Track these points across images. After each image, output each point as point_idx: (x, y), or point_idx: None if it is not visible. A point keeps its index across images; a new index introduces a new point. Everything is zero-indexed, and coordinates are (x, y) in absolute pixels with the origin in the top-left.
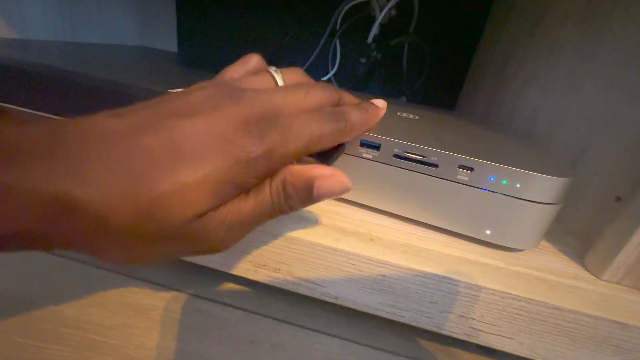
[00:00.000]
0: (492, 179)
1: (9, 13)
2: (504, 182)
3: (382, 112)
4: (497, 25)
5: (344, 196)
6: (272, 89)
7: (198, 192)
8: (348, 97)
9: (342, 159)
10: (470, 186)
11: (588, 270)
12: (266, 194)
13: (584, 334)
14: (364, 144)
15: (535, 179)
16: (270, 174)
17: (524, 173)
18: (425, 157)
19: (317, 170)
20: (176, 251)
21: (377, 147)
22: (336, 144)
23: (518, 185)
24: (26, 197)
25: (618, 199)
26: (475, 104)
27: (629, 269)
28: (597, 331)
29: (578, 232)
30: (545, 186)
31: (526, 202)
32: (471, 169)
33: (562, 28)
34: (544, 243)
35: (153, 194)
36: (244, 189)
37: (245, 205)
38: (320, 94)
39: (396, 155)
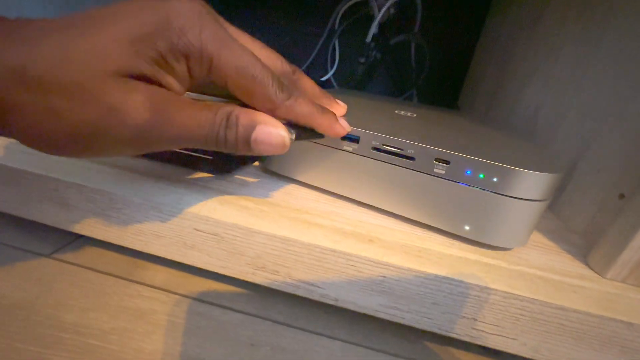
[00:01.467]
0: (468, 172)
1: (8, 9)
2: (481, 175)
3: (335, 130)
4: (497, 22)
5: (322, 186)
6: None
7: (113, 46)
8: (309, 83)
9: (323, 151)
10: (447, 179)
11: (592, 269)
12: (210, 112)
13: (588, 334)
14: (344, 137)
15: (514, 174)
16: (183, 60)
17: (502, 167)
18: (402, 150)
19: (264, 117)
20: (103, 120)
21: (356, 140)
22: (260, 106)
23: (495, 180)
24: None
25: (622, 196)
26: (476, 102)
27: (634, 267)
28: (602, 331)
29: (581, 230)
30: (524, 181)
31: (504, 197)
32: (447, 162)
33: (562, 24)
34: (546, 242)
35: (75, 52)
36: (159, 60)
37: (184, 105)
38: (277, 56)
39: (374, 148)
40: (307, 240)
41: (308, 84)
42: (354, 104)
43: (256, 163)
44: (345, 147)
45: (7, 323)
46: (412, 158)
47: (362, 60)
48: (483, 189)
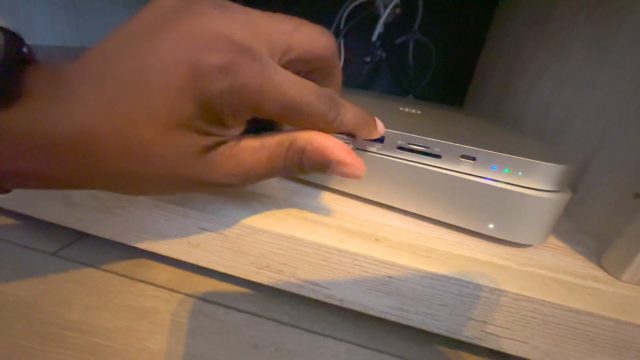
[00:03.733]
0: (494, 167)
1: (18, 20)
2: (506, 170)
3: (375, 134)
4: (505, 19)
5: (349, 190)
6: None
7: (165, 106)
8: (339, 69)
9: None
10: (473, 175)
11: (606, 271)
12: (281, 155)
13: (603, 338)
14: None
15: (539, 167)
16: (242, 112)
17: (527, 161)
18: (428, 148)
19: (339, 154)
20: (181, 176)
21: (381, 140)
22: (313, 128)
23: (520, 174)
24: (25, 138)
25: (637, 195)
26: (485, 100)
27: None
28: (617, 335)
29: (594, 232)
30: (546, 173)
31: (529, 190)
32: (473, 159)
33: (574, 19)
34: (558, 243)
35: (127, 117)
36: (219, 119)
37: (258, 152)
38: (310, 29)
39: (400, 147)
40: (312, 240)
41: (339, 72)
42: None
43: None
44: (369, 148)
45: (10, 320)
46: (438, 156)
47: (368, 59)
48: (507, 183)
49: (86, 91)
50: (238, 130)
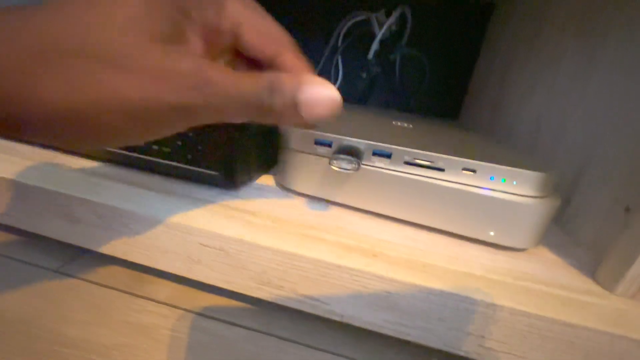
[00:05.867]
0: (492, 178)
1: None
2: (503, 180)
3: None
4: (498, 34)
5: (358, 205)
6: None
7: (131, 12)
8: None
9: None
10: (473, 186)
11: (600, 285)
12: (252, 77)
13: (599, 352)
14: (375, 153)
15: (530, 176)
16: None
17: (520, 171)
18: (433, 162)
19: (310, 76)
20: (136, 69)
21: (388, 156)
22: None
23: (514, 183)
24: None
25: (628, 209)
26: (479, 112)
27: None
28: (613, 349)
29: (588, 245)
30: (537, 180)
31: (521, 197)
32: (474, 171)
33: (561, 37)
34: (552, 256)
35: (97, 20)
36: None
37: (223, 70)
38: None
39: (406, 162)
40: (312, 256)
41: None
42: (367, 120)
43: (266, 179)
44: (377, 164)
45: (8, 337)
46: (441, 169)
47: (364, 75)
48: (504, 192)
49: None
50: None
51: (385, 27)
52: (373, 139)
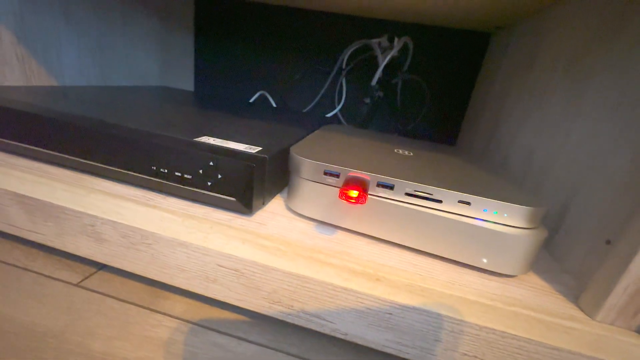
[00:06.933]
0: (485, 210)
1: (50, 61)
2: (495, 212)
3: None
4: (493, 66)
5: (363, 231)
6: None
7: None
8: None
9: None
10: (467, 217)
11: (582, 311)
12: None
13: None
14: (380, 184)
15: (519, 210)
16: None
17: (511, 205)
18: (432, 195)
19: None
20: None
21: (391, 187)
22: None
23: (505, 215)
24: None
25: (608, 242)
26: (475, 140)
27: (620, 311)
28: None
29: (574, 272)
30: (526, 214)
31: (511, 228)
32: (468, 204)
33: (552, 75)
34: (540, 282)
35: None
36: None
37: None
38: None
39: (407, 194)
40: (320, 278)
41: None
42: (372, 148)
43: (278, 202)
44: (381, 194)
45: (40, 351)
46: (439, 201)
47: (367, 100)
48: (496, 223)
49: None
50: None
51: (388, 58)
52: (377, 171)
